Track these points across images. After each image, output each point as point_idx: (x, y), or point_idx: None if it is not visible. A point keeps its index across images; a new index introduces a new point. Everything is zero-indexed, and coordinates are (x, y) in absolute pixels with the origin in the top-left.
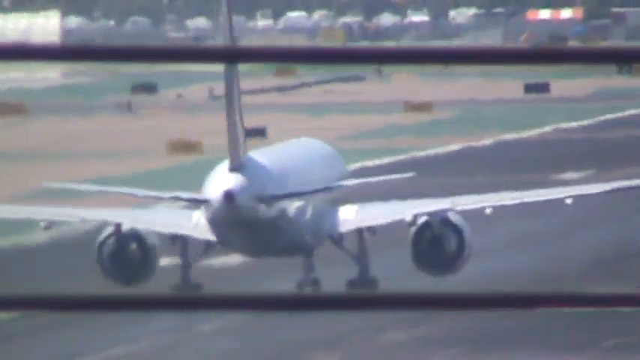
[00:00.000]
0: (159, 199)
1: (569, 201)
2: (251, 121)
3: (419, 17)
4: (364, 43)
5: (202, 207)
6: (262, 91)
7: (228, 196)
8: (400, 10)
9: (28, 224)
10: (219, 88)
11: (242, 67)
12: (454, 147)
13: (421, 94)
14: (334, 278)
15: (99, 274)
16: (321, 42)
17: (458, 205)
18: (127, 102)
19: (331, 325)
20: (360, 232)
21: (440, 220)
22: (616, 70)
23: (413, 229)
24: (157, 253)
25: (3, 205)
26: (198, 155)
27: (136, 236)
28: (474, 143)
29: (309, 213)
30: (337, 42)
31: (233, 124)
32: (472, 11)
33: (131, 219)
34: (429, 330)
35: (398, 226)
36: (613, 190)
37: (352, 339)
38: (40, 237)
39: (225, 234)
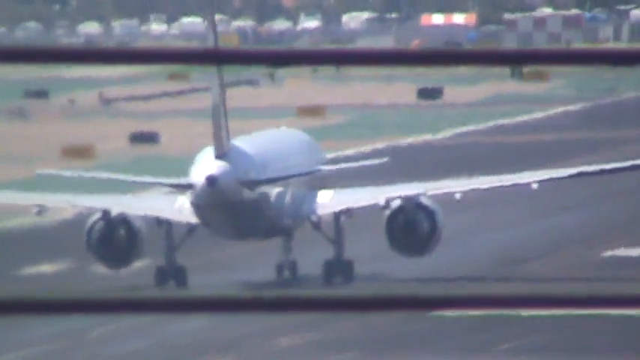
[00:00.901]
0: (146, 184)
1: (535, 186)
2: (144, 127)
3: (312, 22)
4: None
5: (187, 192)
6: (155, 96)
7: (212, 180)
8: (293, 16)
9: (21, 210)
10: (111, 93)
11: (134, 72)
12: (349, 152)
13: (315, 99)
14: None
15: (87, 256)
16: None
17: (430, 189)
18: (18, 107)
19: (229, 327)
20: (336, 215)
21: (413, 203)
22: (509, 74)
23: (387, 212)
24: (142, 237)
25: None
26: (92, 160)
27: (122, 220)
28: (363, 148)
29: (288, 197)
30: (231, 47)
31: (217, 114)
32: (365, 16)
33: (118, 204)
34: (323, 334)
35: (372, 209)
36: (578, 174)
37: (247, 342)
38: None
39: (209, 217)
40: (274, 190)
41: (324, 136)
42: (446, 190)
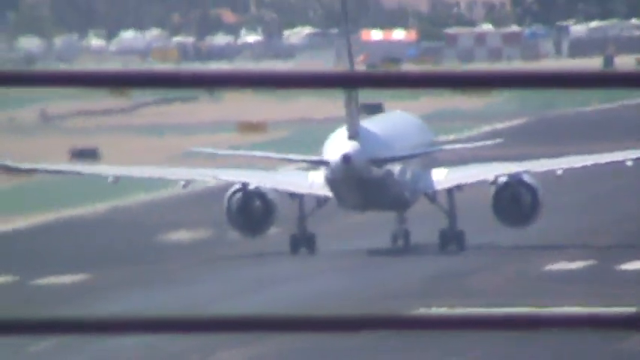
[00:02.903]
0: (286, 160)
1: (629, 163)
2: (85, 143)
3: (253, 37)
4: (197, 64)
5: (323, 168)
6: (97, 112)
7: (347, 158)
8: (234, 30)
9: (170, 183)
10: (52, 109)
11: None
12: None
13: (255, 114)
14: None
15: (226, 223)
16: (154, 63)
17: (533, 167)
18: None
19: (163, 345)
20: (450, 190)
21: (517, 180)
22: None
23: (493, 188)
24: (276, 208)
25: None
26: (31, 178)
27: (258, 193)
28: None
29: (409, 174)
30: (171, 62)
31: (349, 101)
32: (307, 31)
33: (256, 178)
34: (261, 349)
35: (482, 185)
36: None
37: (185, 356)
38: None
39: (342, 191)
40: (397, 168)
41: (267, 151)
42: (547, 168)
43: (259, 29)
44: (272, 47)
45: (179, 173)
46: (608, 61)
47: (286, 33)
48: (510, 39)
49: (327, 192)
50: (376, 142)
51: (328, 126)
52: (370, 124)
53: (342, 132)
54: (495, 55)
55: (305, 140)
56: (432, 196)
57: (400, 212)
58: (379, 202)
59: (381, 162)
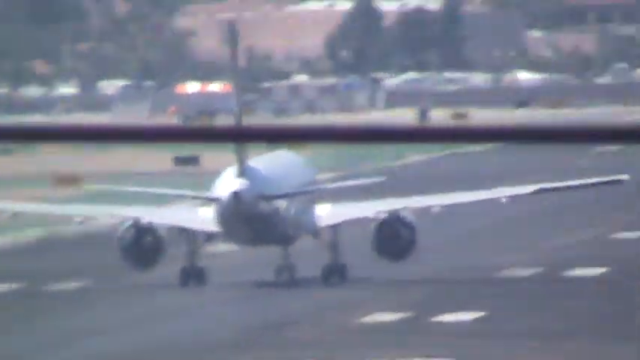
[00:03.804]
0: (178, 197)
1: (503, 200)
2: None
3: (68, 89)
4: (11, 118)
5: (213, 204)
6: None
7: (236, 195)
8: (48, 82)
9: (66, 219)
10: None
11: None
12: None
13: (71, 167)
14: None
15: (119, 257)
16: None
17: (411, 204)
18: None
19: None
20: (333, 226)
21: (396, 216)
22: None
23: (374, 224)
24: (166, 242)
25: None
26: None
27: (150, 228)
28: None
29: (294, 210)
30: None
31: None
32: (122, 83)
33: (148, 214)
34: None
35: (363, 221)
36: (539, 191)
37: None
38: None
39: (231, 226)
40: (283, 204)
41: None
42: (424, 205)
43: (74, 81)
44: (87, 99)
45: (76, 210)
46: (423, 114)
47: (101, 85)
48: (326, 91)
49: (216, 227)
50: (263, 180)
51: (145, 179)
52: (257, 163)
53: (231, 170)
54: (310, 107)
55: (122, 193)
56: (315, 232)
57: (285, 247)
58: (266, 237)
59: (268, 199)
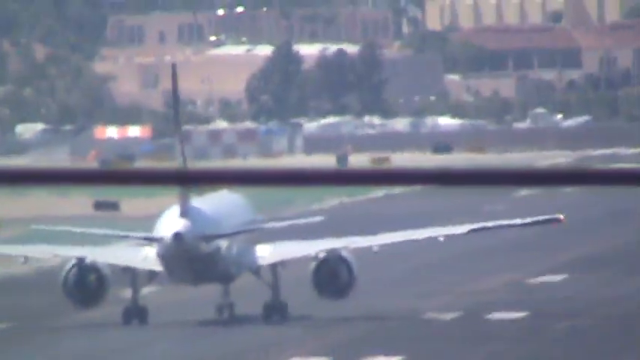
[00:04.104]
0: (121, 237)
1: (441, 239)
2: None
3: None
4: None
5: (155, 244)
6: None
7: (178, 236)
8: None
9: (10, 259)
10: None
11: None
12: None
13: None
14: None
15: (62, 296)
16: None
17: (351, 244)
18: None
19: None
20: (273, 265)
21: (335, 256)
22: None
23: (314, 263)
24: (109, 282)
25: None
26: None
27: (93, 267)
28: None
29: (235, 249)
30: None
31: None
32: (40, 127)
33: (92, 254)
34: None
35: (303, 260)
36: (474, 230)
37: None
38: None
39: (172, 265)
40: (224, 244)
41: None
42: (364, 244)
43: None
44: (4, 143)
45: (19, 250)
46: (342, 159)
47: (19, 128)
48: (245, 136)
49: (158, 266)
50: (205, 219)
51: (65, 223)
52: (199, 202)
53: (174, 210)
54: (230, 152)
55: (37, 238)
56: (256, 271)
57: (225, 285)
58: (207, 275)
59: (209, 238)
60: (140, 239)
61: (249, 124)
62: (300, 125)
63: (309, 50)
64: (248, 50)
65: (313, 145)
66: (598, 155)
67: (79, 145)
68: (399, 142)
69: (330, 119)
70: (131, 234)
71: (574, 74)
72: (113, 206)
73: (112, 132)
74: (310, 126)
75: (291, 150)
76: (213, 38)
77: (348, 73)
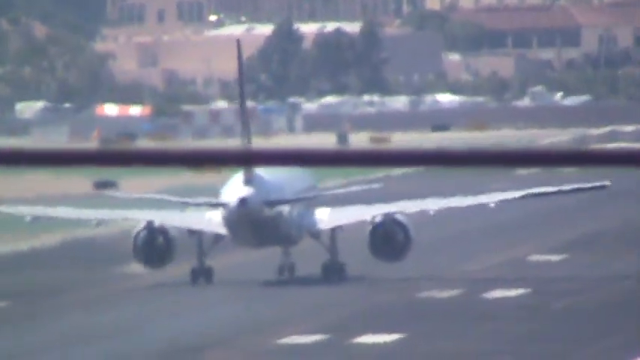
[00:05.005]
0: (188, 203)
1: (492, 205)
2: None
3: None
4: None
5: (221, 209)
6: None
7: (243, 201)
8: None
9: (83, 222)
10: None
11: None
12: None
13: None
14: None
15: (133, 259)
16: None
17: (407, 208)
18: None
19: None
20: (332, 229)
21: (391, 219)
22: None
23: (370, 227)
24: (176, 243)
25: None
26: None
27: (162, 230)
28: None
29: (295, 214)
30: None
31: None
32: (40, 105)
33: (160, 217)
34: None
35: (361, 224)
36: (526, 196)
37: None
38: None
39: (237, 230)
40: (286, 209)
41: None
42: (418, 209)
43: None
44: (5, 122)
45: (93, 214)
46: (342, 138)
47: (19, 107)
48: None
49: (223, 230)
50: (268, 186)
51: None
52: (263, 171)
53: (238, 178)
54: (229, 132)
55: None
56: (316, 234)
57: (286, 248)
58: (269, 239)
59: (272, 204)
60: (208, 205)
61: (248, 104)
62: (299, 104)
63: (308, 29)
64: (248, 29)
65: (313, 124)
66: (598, 134)
67: (80, 123)
68: (398, 120)
69: (330, 98)
70: (199, 200)
71: (573, 53)
72: (112, 185)
73: (112, 110)
74: (309, 105)
75: (290, 129)
76: (212, 17)
77: (347, 51)
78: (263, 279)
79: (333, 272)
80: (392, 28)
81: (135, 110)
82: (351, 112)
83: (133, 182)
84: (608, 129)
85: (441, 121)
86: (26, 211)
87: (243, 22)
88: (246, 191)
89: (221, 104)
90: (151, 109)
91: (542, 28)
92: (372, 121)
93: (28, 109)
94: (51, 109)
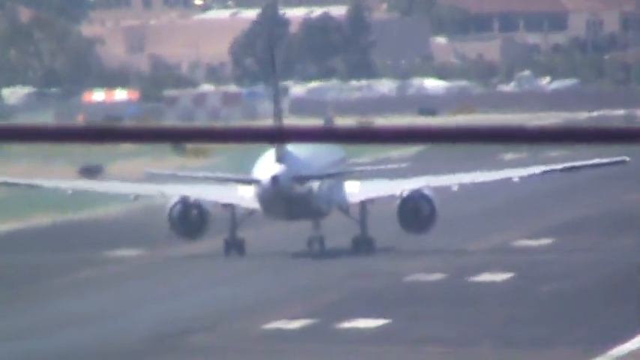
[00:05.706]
0: (223, 179)
1: (516, 179)
2: None
3: None
4: None
5: (253, 185)
6: None
7: (275, 179)
8: None
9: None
10: None
11: None
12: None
13: None
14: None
15: (169, 230)
16: None
17: (432, 183)
18: None
19: None
20: (361, 202)
21: (418, 194)
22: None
23: (398, 200)
24: (210, 216)
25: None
26: None
27: (196, 204)
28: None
29: (325, 189)
30: None
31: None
32: (26, 91)
33: (194, 192)
34: None
35: (389, 198)
36: (548, 172)
37: None
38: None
39: (269, 205)
40: (316, 184)
41: None
42: (443, 184)
43: None
44: None
45: (131, 188)
46: (329, 122)
47: (5, 92)
48: (230, 99)
49: (255, 204)
50: (299, 163)
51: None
52: (293, 148)
53: (270, 155)
54: (214, 115)
55: (23, 203)
56: (345, 208)
57: (317, 221)
58: (300, 213)
59: (302, 180)
60: (241, 181)
61: (234, 88)
62: (285, 89)
63: (294, 13)
64: (234, 14)
65: (299, 108)
66: (585, 118)
67: (66, 108)
68: (385, 104)
69: (317, 83)
70: (232, 176)
71: (560, 37)
72: (97, 170)
73: (99, 95)
74: (296, 89)
75: (276, 113)
76: (199, 1)
77: (334, 35)
78: (293, 251)
79: (363, 245)
80: (379, 13)
81: (121, 95)
82: (338, 96)
83: (118, 166)
84: (595, 114)
85: (428, 105)
86: (65, 186)
87: (230, 7)
88: (278, 169)
89: (207, 87)
90: (138, 93)
91: (530, 12)
92: (359, 104)
93: (14, 94)
94: (37, 94)
